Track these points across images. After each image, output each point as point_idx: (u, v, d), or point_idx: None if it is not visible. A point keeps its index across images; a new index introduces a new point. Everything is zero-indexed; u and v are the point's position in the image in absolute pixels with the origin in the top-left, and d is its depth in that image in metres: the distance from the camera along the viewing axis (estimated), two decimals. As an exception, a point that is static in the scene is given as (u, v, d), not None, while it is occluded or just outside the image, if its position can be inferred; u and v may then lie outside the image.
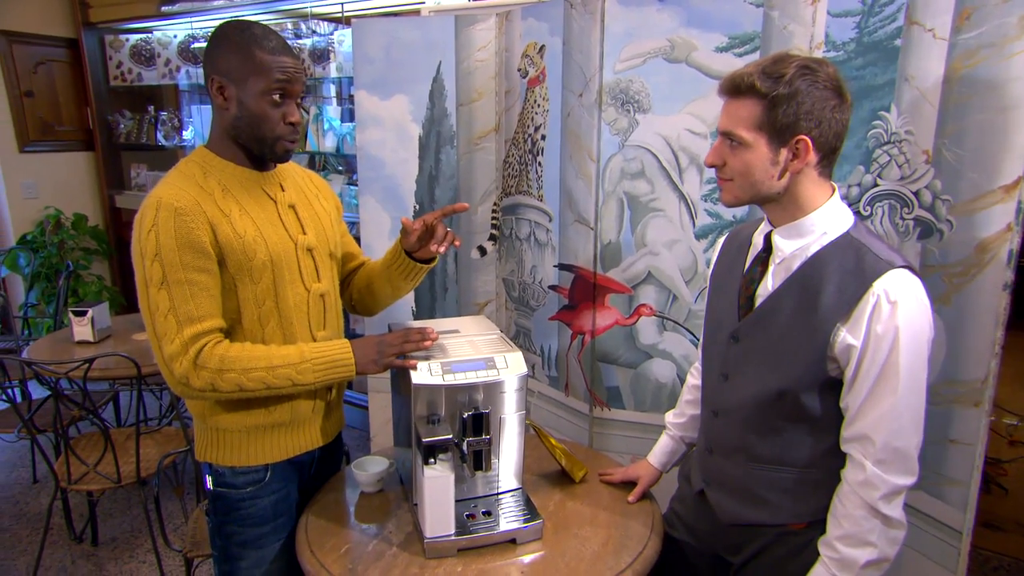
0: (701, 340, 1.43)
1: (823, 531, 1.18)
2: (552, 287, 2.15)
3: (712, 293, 1.37)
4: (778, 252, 1.19)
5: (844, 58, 1.56)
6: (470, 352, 1.41)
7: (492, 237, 2.33)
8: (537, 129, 2.11)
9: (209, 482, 1.45)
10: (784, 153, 1.12)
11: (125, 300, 4.47)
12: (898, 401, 1.08)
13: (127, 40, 4.16)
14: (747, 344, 1.23)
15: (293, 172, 1.50)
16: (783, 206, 1.17)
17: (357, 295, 1.65)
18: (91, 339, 2.60)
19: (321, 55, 3.40)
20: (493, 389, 1.38)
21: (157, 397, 3.24)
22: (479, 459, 1.37)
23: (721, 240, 1.42)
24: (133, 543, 2.67)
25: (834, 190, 1.18)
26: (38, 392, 3.19)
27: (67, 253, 4.16)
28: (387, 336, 1.41)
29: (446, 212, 1.46)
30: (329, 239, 1.49)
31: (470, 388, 1.36)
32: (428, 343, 1.39)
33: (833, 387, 1.15)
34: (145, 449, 2.39)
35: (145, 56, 4.16)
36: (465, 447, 1.36)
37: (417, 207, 2.37)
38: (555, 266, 2.12)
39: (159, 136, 4.21)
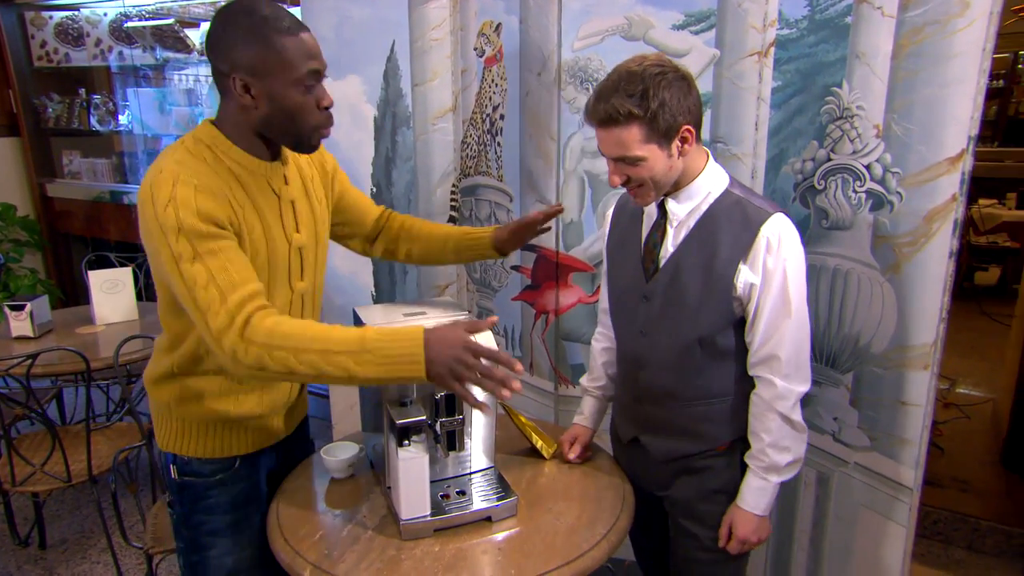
0: (607, 306, 1.55)
1: (743, 448, 1.37)
2: (515, 267, 2.15)
3: (611, 263, 1.52)
4: (674, 216, 1.34)
5: (797, 35, 1.60)
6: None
7: (451, 219, 2.32)
8: (495, 109, 2.09)
9: (173, 472, 1.40)
10: (675, 146, 1.26)
11: (62, 293, 4.27)
12: (792, 321, 1.27)
13: (51, 18, 3.94)
14: (658, 302, 1.37)
15: (296, 156, 1.42)
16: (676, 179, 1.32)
17: (406, 254, 1.68)
18: (31, 334, 2.48)
19: (265, 34, 3.28)
20: (464, 369, 1.37)
21: (104, 392, 3.11)
22: (453, 439, 1.37)
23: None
24: (85, 544, 2.58)
25: (708, 154, 1.35)
26: (-28, 392, 3.02)
27: (-5, 246, 3.95)
28: (468, 351, 1.13)
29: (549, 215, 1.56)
30: (319, 235, 1.45)
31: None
32: (507, 393, 1.14)
33: (739, 325, 1.33)
34: (96, 446, 2.30)
35: (73, 35, 3.94)
36: (439, 427, 1.35)
37: (374, 189, 2.33)
38: (517, 246, 2.12)
39: (92, 121, 4.01)
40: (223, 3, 3.50)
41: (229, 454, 1.40)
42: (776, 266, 1.25)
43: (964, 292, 5.03)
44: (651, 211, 1.38)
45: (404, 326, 1.17)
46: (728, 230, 1.29)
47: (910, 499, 1.56)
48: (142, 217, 1.19)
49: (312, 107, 1.24)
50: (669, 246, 1.35)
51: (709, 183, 1.32)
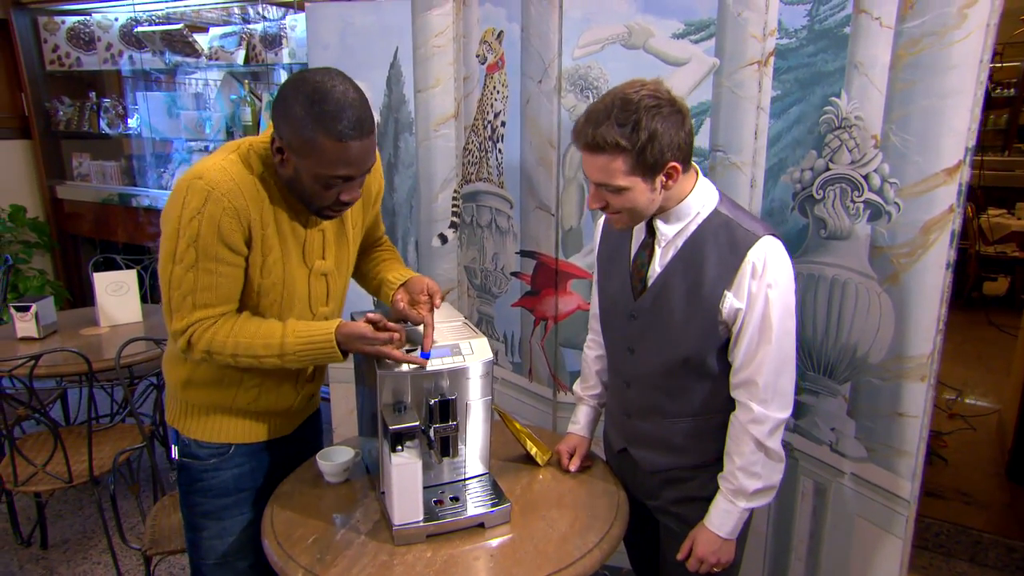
0: (599, 315, 1.54)
1: None
2: (514, 273, 2.16)
3: (602, 275, 1.50)
4: (662, 236, 1.33)
5: (796, 45, 1.60)
6: (435, 339, 1.40)
7: (453, 225, 2.33)
8: (497, 116, 2.10)
9: (175, 451, 1.50)
10: (659, 180, 1.24)
11: (70, 295, 4.31)
12: (772, 348, 1.25)
13: (63, 22, 3.98)
14: (645, 320, 1.37)
15: None
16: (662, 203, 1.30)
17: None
18: (35, 335, 2.50)
19: (273, 40, 3.32)
20: (459, 375, 1.38)
21: (108, 393, 3.13)
22: (446, 445, 1.38)
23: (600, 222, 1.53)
24: (86, 544, 2.59)
25: (697, 172, 1.32)
26: (-22, 392, 3.05)
27: (4, 246, 3.98)
28: (365, 339, 1.33)
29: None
30: (350, 261, 1.51)
31: (436, 375, 1.36)
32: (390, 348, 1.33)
33: (726, 346, 1.32)
34: (98, 447, 2.31)
35: (84, 40, 3.99)
36: (432, 434, 1.36)
37: (376, 195, 2.35)
38: (517, 252, 2.13)
39: (102, 124, 4.05)
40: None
41: (224, 441, 1.47)
42: (759, 291, 1.24)
43: (972, 302, 4.99)
44: (640, 228, 1.37)
45: (316, 330, 1.34)
46: (715, 253, 1.27)
47: (907, 511, 1.55)
48: (170, 205, 1.27)
49: (329, 197, 1.28)
50: (656, 266, 1.34)
51: (698, 203, 1.30)
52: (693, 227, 1.30)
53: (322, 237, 1.42)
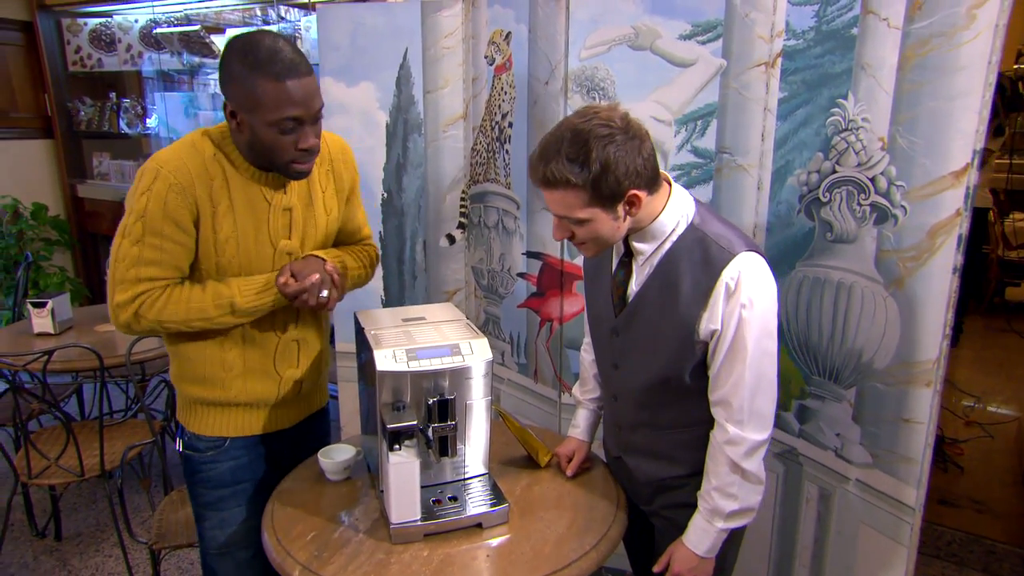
0: (587, 325, 1.52)
1: None
2: (520, 275, 2.16)
3: (588, 287, 1.48)
4: (639, 255, 1.30)
5: (804, 46, 1.58)
6: (436, 338, 1.41)
7: (461, 225, 2.33)
8: (504, 116, 2.10)
9: (179, 444, 1.56)
10: (621, 208, 1.21)
11: (89, 292, 4.38)
12: (747, 368, 1.21)
13: (85, 24, 4.06)
14: (626, 337, 1.36)
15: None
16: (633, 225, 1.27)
17: None
18: (51, 331, 2.55)
19: (287, 41, 3.35)
20: (459, 375, 1.38)
21: (122, 389, 3.18)
22: (445, 445, 1.38)
23: None
24: (99, 537, 2.64)
25: (670, 184, 1.28)
26: (-2, 386, 3.12)
27: (26, 244, 4.06)
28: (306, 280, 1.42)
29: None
30: (319, 243, 1.52)
31: (435, 374, 1.37)
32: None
33: (706, 363, 1.29)
34: (110, 442, 2.35)
35: (105, 41, 4.06)
36: (431, 433, 1.36)
37: (385, 195, 2.36)
38: (523, 254, 2.13)
39: (122, 124, 4.12)
40: (244, 8, 3.59)
41: (218, 434, 1.51)
42: (732, 311, 1.20)
43: (994, 308, 4.89)
44: (619, 245, 1.34)
45: (261, 279, 1.41)
46: (689, 273, 1.24)
47: (912, 518, 1.52)
48: (130, 189, 1.36)
49: (287, 146, 1.31)
50: (634, 284, 1.32)
51: (672, 219, 1.26)
52: (668, 244, 1.26)
53: (288, 217, 1.44)
